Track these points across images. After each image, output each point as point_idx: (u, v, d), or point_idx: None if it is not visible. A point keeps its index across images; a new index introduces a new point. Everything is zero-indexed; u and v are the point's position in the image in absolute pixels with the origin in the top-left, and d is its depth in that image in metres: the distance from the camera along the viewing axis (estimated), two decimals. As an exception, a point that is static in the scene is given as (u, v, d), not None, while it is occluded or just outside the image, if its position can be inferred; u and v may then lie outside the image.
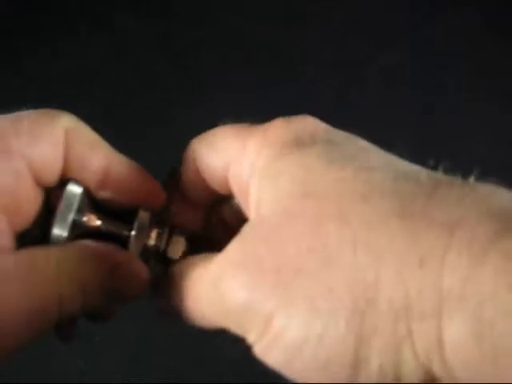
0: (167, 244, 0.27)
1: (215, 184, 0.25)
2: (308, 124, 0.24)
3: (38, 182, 0.24)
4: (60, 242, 0.24)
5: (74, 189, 0.25)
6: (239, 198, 0.24)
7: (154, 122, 0.68)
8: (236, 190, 0.24)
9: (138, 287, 0.25)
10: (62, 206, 0.24)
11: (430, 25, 0.73)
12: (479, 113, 0.67)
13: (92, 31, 0.74)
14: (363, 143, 0.23)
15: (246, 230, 0.21)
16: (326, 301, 0.18)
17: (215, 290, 0.21)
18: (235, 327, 0.20)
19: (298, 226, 0.20)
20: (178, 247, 0.27)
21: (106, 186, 0.26)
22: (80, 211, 0.25)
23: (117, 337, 0.55)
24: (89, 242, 0.24)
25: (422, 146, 0.66)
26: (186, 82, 0.70)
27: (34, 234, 0.25)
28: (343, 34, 0.74)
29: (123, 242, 0.26)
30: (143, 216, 0.27)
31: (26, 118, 0.24)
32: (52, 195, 0.25)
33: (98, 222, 0.26)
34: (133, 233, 0.26)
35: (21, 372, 0.49)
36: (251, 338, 0.20)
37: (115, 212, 0.27)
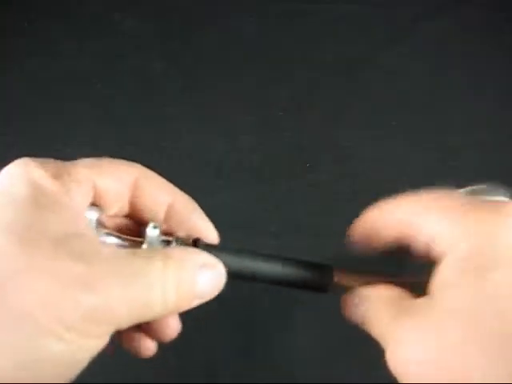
0: None
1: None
2: None
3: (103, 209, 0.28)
4: None
5: (92, 212, 0.28)
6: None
7: (153, 122, 0.68)
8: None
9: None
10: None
11: (430, 25, 0.73)
12: (479, 113, 0.67)
13: (92, 31, 0.74)
14: None
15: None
16: None
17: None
18: None
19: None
20: None
21: (170, 219, 0.30)
22: (97, 230, 0.28)
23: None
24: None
25: (422, 146, 0.66)
26: (185, 82, 0.70)
27: None
28: (343, 33, 0.74)
29: None
30: (152, 232, 0.29)
31: (107, 160, 0.30)
32: None
33: (114, 239, 0.29)
34: (144, 246, 0.28)
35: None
36: None
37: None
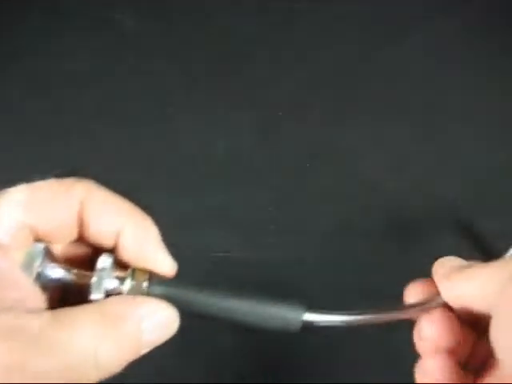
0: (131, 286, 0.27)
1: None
2: None
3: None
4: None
5: (38, 246, 0.27)
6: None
7: (153, 122, 0.68)
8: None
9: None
10: (24, 261, 0.26)
11: (430, 25, 0.73)
12: (479, 113, 0.67)
13: (92, 31, 0.74)
14: None
15: None
16: None
17: None
18: None
19: None
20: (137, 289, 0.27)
21: (122, 247, 0.27)
22: (43, 264, 0.27)
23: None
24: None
25: (422, 146, 0.66)
26: (185, 82, 0.70)
27: None
28: (343, 33, 0.74)
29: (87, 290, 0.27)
30: (103, 264, 0.27)
31: (45, 188, 0.27)
32: None
33: (61, 273, 0.27)
34: (94, 279, 0.27)
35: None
36: None
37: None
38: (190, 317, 0.27)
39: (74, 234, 0.27)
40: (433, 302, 0.29)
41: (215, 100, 0.69)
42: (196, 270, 0.55)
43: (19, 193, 0.27)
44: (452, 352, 0.28)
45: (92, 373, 0.23)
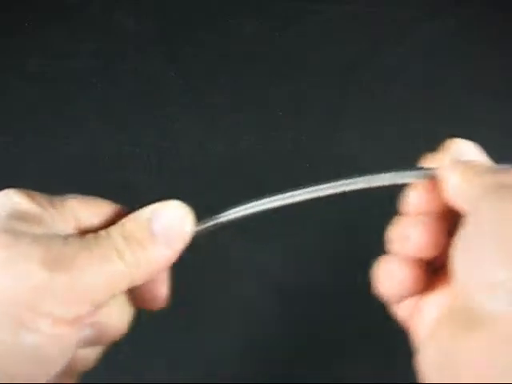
0: None
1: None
2: None
3: None
4: None
5: None
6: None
7: (153, 122, 0.68)
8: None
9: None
10: None
11: (430, 25, 0.73)
12: (479, 113, 0.67)
13: (92, 31, 0.74)
14: None
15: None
16: None
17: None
18: None
19: None
20: None
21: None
22: None
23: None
24: None
25: (423, 146, 0.66)
26: (185, 82, 0.70)
27: None
28: (343, 33, 0.74)
29: None
30: None
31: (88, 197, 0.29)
32: None
33: None
34: None
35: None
36: None
37: None
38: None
39: None
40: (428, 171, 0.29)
41: (215, 100, 0.69)
42: (196, 270, 0.55)
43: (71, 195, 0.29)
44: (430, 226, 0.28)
45: (127, 274, 0.26)
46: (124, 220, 0.27)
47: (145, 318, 0.31)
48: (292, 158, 0.65)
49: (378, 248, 0.31)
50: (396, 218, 0.29)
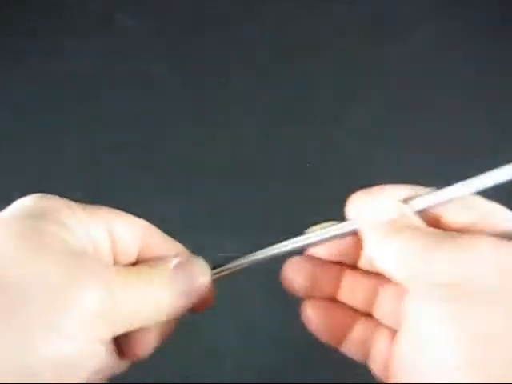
0: None
1: None
2: None
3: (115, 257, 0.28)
4: None
5: None
6: None
7: (153, 122, 0.68)
8: None
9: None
10: None
11: (430, 25, 0.73)
12: (479, 112, 0.67)
13: (92, 31, 0.74)
14: None
15: None
16: None
17: None
18: None
19: None
20: None
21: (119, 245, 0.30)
22: None
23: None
24: None
25: (423, 146, 0.66)
26: (185, 82, 0.70)
27: None
28: (343, 33, 0.74)
29: None
30: None
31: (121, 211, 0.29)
32: None
33: None
34: None
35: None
36: None
37: None
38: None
39: (134, 255, 0.29)
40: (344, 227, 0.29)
41: (215, 100, 0.69)
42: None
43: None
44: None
45: (166, 308, 0.27)
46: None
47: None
48: (292, 157, 0.65)
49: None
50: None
